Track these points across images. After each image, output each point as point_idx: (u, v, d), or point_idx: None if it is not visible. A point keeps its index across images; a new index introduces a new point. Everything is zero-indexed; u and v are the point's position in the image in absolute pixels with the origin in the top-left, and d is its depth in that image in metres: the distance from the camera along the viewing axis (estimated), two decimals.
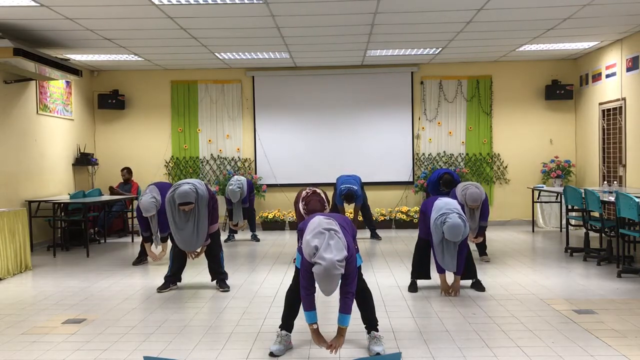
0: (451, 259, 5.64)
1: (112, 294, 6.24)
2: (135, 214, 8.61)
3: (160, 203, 7.30)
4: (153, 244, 7.67)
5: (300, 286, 4.08)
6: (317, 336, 4.07)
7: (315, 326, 4.05)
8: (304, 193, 7.27)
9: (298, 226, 4.46)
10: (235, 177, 9.58)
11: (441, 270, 5.83)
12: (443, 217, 5.52)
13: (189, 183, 5.99)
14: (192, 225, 6.01)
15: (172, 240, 6.35)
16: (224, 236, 9.57)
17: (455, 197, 6.93)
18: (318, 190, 7.32)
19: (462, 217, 5.51)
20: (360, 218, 9.94)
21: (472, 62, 11.57)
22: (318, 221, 4.04)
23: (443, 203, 5.69)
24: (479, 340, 4.46)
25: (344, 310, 4.05)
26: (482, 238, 7.47)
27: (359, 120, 11.78)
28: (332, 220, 4.07)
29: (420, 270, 6.17)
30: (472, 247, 7.33)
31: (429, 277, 6.20)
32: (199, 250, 6.22)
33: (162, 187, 7.47)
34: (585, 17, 8.07)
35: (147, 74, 11.82)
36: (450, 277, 5.98)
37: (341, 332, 4.07)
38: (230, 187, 9.34)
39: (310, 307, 4.05)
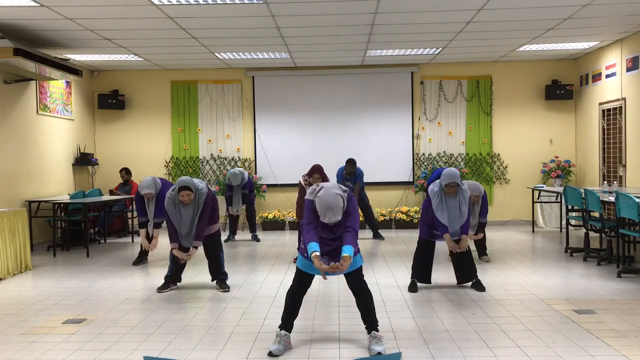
0: (455, 218, 5.74)
1: (112, 294, 6.24)
2: (134, 214, 8.60)
3: (159, 186, 7.40)
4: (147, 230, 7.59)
5: (304, 224, 4.28)
6: (319, 261, 4.15)
7: (317, 254, 4.15)
8: (302, 180, 7.60)
9: (300, 223, 4.52)
10: (237, 167, 9.98)
11: (445, 230, 5.83)
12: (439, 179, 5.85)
13: (189, 179, 6.03)
14: (189, 221, 6.00)
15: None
16: (224, 236, 9.58)
17: None
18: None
19: None
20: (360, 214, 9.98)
21: (472, 62, 11.57)
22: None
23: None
24: (479, 340, 4.46)
25: (347, 242, 4.19)
26: (482, 234, 7.46)
27: (359, 120, 11.78)
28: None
29: (420, 273, 6.17)
30: (472, 247, 7.33)
31: (429, 282, 6.20)
32: (190, 253, 6.13)
33: (163, 180, 7.63)
34: (585, 17, 8.07)
35: (147, 74, 11.82)
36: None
37: (345, 259, 4.14)
38: (232, 170, 9.72)
39: (313, 239, 4.20)
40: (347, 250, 4.15)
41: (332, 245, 4.24)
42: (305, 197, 4.33)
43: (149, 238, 7.47)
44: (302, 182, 7.50)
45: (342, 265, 4.13)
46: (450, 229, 5.79)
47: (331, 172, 11.16)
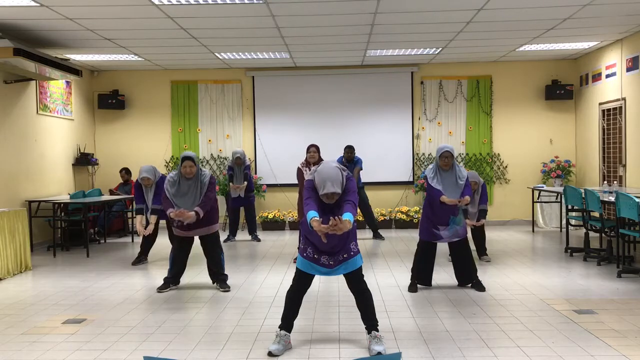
0: (450, 188, 5.76)
1: (112, 294, 6.24)
2: (135, 214, 8.59)
3: (159, 176, 7.43)
4: (143, 217, 7.53)
5: (304, 200, 4.22)
6: (319, 224, 4.07)
7: (316, 218, 4.09)
8: (300, 165, 7.71)
9: (300, 222, 4.49)
10: None
11: (441, 194, 5.82)
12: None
13: (191, 152, 6.10)
14: (188, 195, 6.00)
15: (172, 242, 6.34)
16: (223, 236, 9.56)
17: None
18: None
19: None
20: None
21: (472, 62, 11.57)
22: None
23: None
24: (479, 340, 4.46)
25: (346, 210, 4.14)
26: (483, 221, 7.41)
27: (359, 120, 11.78)
28: None
29: (421, 275, 6.17)
30: (472, 247, 7.33)
31: (429, 284, 6.20)
32: (191, 213, 5.93)
33: (162, 175, 7.62)
34: (585, 17, 8.07)
35: (147, 74, 11.82)
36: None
37: (345, 222, 4.05)
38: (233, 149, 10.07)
39: (312, 209, 4.14)
40: (346, 216, 4.10)
41: (331, 241, 4.21)
42: (305, 179, 4.33)
43: (146, 226, 7.46)
44: (301, 167, 7.65)
45: (342, 223, 4.01)
46: (449, 197, 5.79)
47: None
